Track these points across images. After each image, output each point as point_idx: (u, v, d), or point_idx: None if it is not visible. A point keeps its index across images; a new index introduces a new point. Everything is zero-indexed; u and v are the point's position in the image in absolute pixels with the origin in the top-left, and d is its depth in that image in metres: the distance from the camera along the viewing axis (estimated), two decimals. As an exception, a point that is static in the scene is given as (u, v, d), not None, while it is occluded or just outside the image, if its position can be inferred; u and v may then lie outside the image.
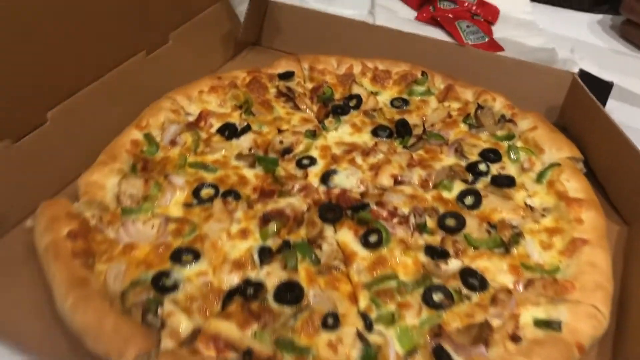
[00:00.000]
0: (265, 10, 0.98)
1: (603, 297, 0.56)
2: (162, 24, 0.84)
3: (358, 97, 0.82)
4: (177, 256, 0.59)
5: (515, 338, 0.52)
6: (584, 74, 0.79)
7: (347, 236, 0.63)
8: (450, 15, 1.04)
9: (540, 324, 0.54)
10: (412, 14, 1.10)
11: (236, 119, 0.79)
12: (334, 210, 0.65)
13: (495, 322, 0.54)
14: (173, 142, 0.74)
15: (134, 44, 0.79)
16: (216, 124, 0.77)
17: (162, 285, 0.56)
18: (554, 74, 0.83)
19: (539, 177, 0.70)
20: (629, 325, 0.56)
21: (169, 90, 0.80)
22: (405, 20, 1.07)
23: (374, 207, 0.66)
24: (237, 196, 0.67)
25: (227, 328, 0.53)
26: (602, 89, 0.79)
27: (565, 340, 0.52)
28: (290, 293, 0.56)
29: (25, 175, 0.66)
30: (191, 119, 0.78)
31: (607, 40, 1.07)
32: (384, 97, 0.84)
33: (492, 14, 1.08)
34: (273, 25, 0.99)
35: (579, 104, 0.77)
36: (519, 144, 0.76)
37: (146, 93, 0.79)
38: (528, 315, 0.55)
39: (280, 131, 0.77)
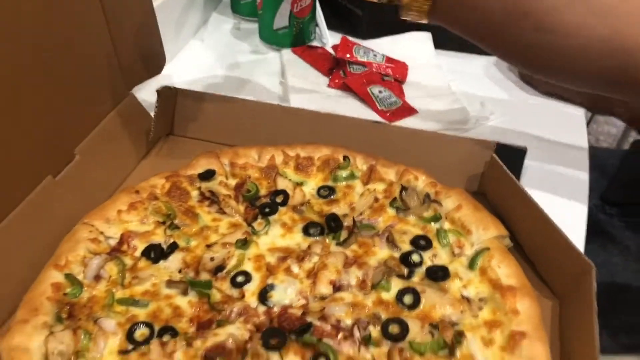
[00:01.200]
0: (175, 99, 0.94)
1: (547, 394, 0.58)
2: (65, 140, 0.79)
3: (284, 193, 0.81)
4: (120, 422, 0.56)
5: None
6: (500, 147, 0.82)
7: (294, 364, 0.62)
8: (362, 81, 1.04)
9: None
10: (325, 80, 1.10)
11: (161, 236, 0.75)
12: (277, 335, 0.64)
13: None
14: (97, 278, 0.69)
15: (37, 169, 0.74)
16: (140, 246, 0.74)
17: None
18: (471, 144, 0.85)
19: (471, 264, 0.71)
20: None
21: (85, 212, 0.76)
22: (318, 88, 1.07)
23: (317, 322, 0.65)
24: (175, 333, 0.64)
25: None
26: (517, 154, 0.82)
27: None
28: None
29: None
30: (112, 242, 0.74)
31: (508, 86, 1.12)
32: (310, 187, 0.84)
33: (401, 72, 1.09)
34: (185, 114, 0.96)
35: (498, 179, 0.80)
36: (446, 225, 0.77)
37: (61, 220, 0.75)
38: None
39: (209, 246, 0.74)
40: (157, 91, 0.87)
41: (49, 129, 0.75)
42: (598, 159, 1.38)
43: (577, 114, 1.05)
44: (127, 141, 0.89)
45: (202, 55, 1.21)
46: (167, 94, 0.90)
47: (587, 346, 0.60)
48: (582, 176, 0.91)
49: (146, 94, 0.94)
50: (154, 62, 0.93)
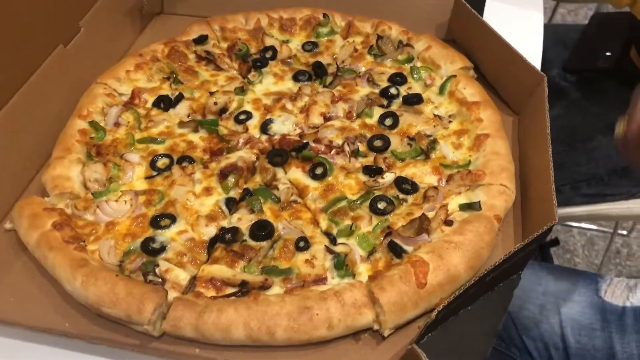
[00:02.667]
0: (163, -21, 1.01)
1: (508, 177, 0.70)
2: (71, 15, 0.86)
3: (273, 49, 0.90)
4: (156, 223, 0.67)
5: (448, 222, 0.66)
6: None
7: (297, 174, 0.73)
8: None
9: (464, 207, 0.67)
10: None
11: (167, 90, 0.85)
12: (280, 154, 0.75)
13: (430, 214, 0.67)
14: (117, 124, 0.79)
15: (50, 39, 0.82)
16: (150, 99, 0.83)
17: (151, 249, 0.64)
18: (437, -5, 0.94)
19: (441, 90, 0.82)
20: (530, 194, 0.71)
21: (94, 76, 0.85)
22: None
23: (312, 144, 0.76)
24: (191, 160, 0.75)
25: (219, 270, 0.62)
26: (478, 1, 0.92)
27: (486, 215, 0.66)
28: (262, 230, 0.66)
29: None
30: (125, 98, 0.83)
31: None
32: (295, 44, 0.93)
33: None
34: (173, -7, 1.03)
35: (462, 18, 0.89)
36: (418, 64, 0.88)
37: (75, 83, 0.83)
38: (454, 203, 0.68)
39: (211, 93, 0.84)
40: (147, -35, 0.94)
41: (56, 3, 0.82)
42: (559, 34, 1.48)
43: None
44: (124, 16, 0.96)
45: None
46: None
47: (541, 145, 0.71)
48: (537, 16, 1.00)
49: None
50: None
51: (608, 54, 1.35)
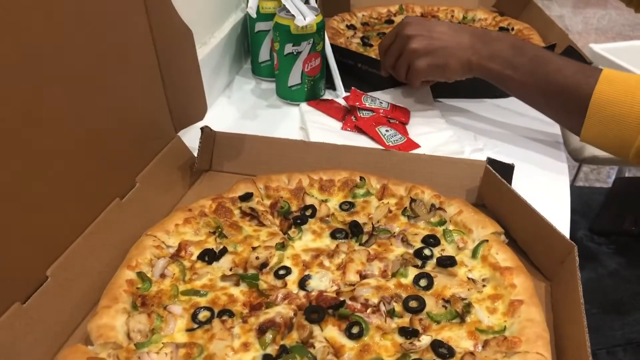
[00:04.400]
0: (214, 140, 1.11)
1: (544, 345, 0.70)
2: (129, 170, 0.94)
3: (312, 207, 0.96)
4: (194, 377, 0.68)
5: (486, 391, 0.65)
6: (490, 161, 0.97)
7: (333, 332, 0.75)
8: (371, 123, 1.22)
9: (502, 375, 0.67)
10: (338, 124, 1.27)
11: (212, 244, 0.90)
12: (317, 311, 0.77)
13: (467, 382, 0.66)
14: (163, 275, 0.83)
15: (109, 192, 0.89)
16: (195, 252, 0.88)
17: (188, 405, 0.65)
18: (467, 163, 1.01)
19: (474, 254, 0.85)
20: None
21: (145, 228, 0.91)
22: (333, 130, 1.24)
23: (349, 302, 0.79)
24: (231, 314, 0.77)
25: None
26: (506, 170, 0.98)
27: (523, 385, 0.65)
28: (299, 390, 0.66)
29: (35, 332, 0.73)
30: (172, 250, 0.88)
31: (503, 124, 1.28)
32: (333, 203, 0.99)
33: (405, 116, 1.27)
34: (221, 152, 1.12)
35: (491, 186, 0.95)
36: (450, 227, 0.92)
37: (126, 235, 0.89)
38: (491, 370, 0.68)
39: (253, 248, 0.88)
40: (201, 128, 1.04)
41: (116, 160, 0.91)
42: (585, 196, 1.54)
43: (557, 141, 1.21)
44: (176, 173, 1.05)
45: (229, 110, 1.39)
46: (208, 133, 1.07)
47: (574, 313, 0.73)
48: (564, 187, 1.05)
49: (187, 139, 1.10)
50: (198, 108, 1.10)
51: (634, 218, 1.38)
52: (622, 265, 1.32)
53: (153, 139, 1.01)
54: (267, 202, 0.99)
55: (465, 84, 1.23)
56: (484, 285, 0.80)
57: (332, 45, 1.39)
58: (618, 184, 1.60)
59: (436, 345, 0.71)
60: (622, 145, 0.98)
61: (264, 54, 1.48)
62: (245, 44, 1.56)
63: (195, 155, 1.08)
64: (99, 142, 0.86)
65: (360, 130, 1.23)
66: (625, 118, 0.95)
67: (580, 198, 1.45)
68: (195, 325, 0.76)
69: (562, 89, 1.04)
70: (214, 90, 1.41)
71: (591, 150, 1.09)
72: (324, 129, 1.24)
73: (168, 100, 1.03)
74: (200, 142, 1.05)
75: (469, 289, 0.80)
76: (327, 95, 1.42)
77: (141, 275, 0.82)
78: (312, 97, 1.38)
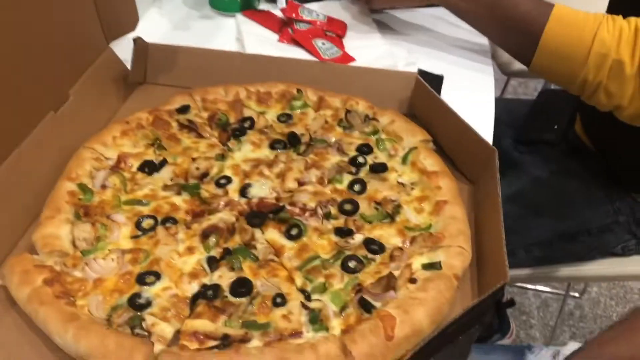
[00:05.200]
0: (147, 52, 1.09)
1: (465, 239, 0.78)
2: (61, 83, 0.92)
3: (251, 119, 0.98)
4: (142, 279, 0.72)
5: (412, 280, 0.72)
6: (421, 72, 1.01)
7: (273, 234, 0.79)
8: (308, 36, 1.22)
9: (426, 266, 0.74)
10: (275, 36, 1.27)
11: (151, 155, 0.91)
12: (258, 216, 0.81)
13: (396, 273, 0.73)
14: (104, 186, 0.84)
15: (43, 106, 0.87)
16: (135, 163, 0.89)
17: (137, 304, 0.68)
18: (400, 75, 1.05)
19: (404, 160, 0.91)
20: (484, 255, 0.79)
21: (82, 141, 0.90)
22: (270, 42, 1.24)
23: (288, 207, 0.83)
24: (175, 221, 0.80)
25: (202, 324, 0.67)
26: (436, 81, 1.03)
27: (446, 274, 0.73)
28: (242, 287, 0.71)
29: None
30: (111, 162, 0.89)
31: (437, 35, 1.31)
32: (271, 115, 1.01)
33: (341, 29, 1.28)
34: (155, 65, 1.10)
35: (422, 96, 0.99)
36: (383, 136, 0.96)
37: (63, 147, 0.88)
38: (417, 262, 0.75)
39: (193, 159, 0.90)
40: (134, 39, 1.02)
41: (47, 73, 0.88)
42: (511, 107, 1.62)
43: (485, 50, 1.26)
44: (110, 85, 1.03)
45: (160, 22, 1.34)
46: (141, 44, 1.05)
47: (493, 211, 0.79)
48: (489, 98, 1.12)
49: (119, 51, 1.07)
50: (128, 18, 1.07)
51: (555, 127, 1.47)
52: (544, 172, 1.42)
53: (84, 49, 0.98)
54: (205, 115, 1.00)
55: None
56: (412, 189, 0.87)
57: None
58: (543, 96, 1.69)
59: (368, 242, 0.78)
60: (568, 80, 1.04)
61: (195, -38, 1.42)
62: (176, -50, 1.49)
63: (129, 67, 1.06)
64: (27, 55, 0.83)
65: (296, 43, 1.23)
66: (571, 54, 1.01)
67: (507, 110, 1.52)
68: (140, 233, 0.79)
69: (516, 25, 1.08)
70: (144, 1, 1.35)
71: (519, 65, 1.14)
72: (261, 41, 1.24)
73: (97, 10, 0.99)
74: (133, 54, 1.03)
75: (398, 192, 0.86)
76: (263, 5, 1.39)
77: (82, 186, 0.83)
78: (247, 7, 1.36)
